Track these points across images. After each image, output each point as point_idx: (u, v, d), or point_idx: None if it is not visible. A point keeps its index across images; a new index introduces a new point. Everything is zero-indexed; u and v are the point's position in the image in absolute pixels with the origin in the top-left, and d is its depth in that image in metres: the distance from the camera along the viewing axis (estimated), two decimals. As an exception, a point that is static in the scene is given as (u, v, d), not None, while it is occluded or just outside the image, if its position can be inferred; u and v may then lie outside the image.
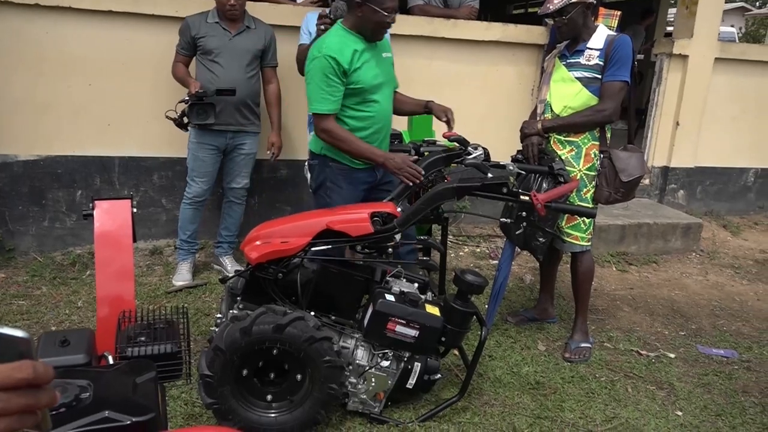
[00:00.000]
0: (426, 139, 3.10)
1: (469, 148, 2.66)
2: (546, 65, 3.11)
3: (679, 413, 2.68)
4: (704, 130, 5.27)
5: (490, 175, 2.50)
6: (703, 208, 5.56)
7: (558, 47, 3.08)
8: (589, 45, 2.90)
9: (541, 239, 2.92)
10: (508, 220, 2.56)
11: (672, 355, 3.19)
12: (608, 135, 3.03)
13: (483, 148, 2.75)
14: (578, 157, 2.94)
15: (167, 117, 3.38)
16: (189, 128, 3.48)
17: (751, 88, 5.37)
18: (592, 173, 2.98)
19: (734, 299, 4.02)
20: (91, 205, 1.93)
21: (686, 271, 4.46)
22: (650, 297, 3.97)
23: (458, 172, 2.63)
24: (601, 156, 2.99)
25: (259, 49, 3.55)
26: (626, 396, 2.79)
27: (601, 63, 2.86)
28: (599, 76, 2.88)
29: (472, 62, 4.56)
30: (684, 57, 5.02)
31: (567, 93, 2.93)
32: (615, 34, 2.93)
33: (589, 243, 3.10)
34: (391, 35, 3.72)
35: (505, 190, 2.46)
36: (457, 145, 2.70)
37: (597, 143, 2.97)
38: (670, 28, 5.03)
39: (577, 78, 2.91)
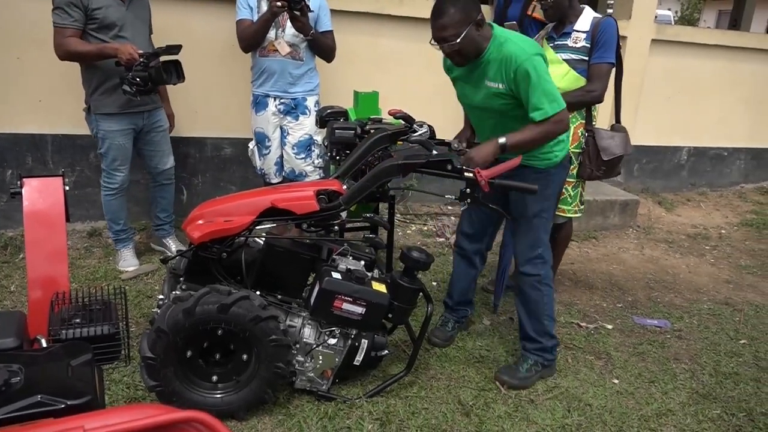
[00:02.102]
0: (372, 116, 3.09)
1: (415, 126, 2.67)
2: None
3: (616, 381, 2.80)
4: (641, 109, 5.45)
5: (435, 152, 2.51)
6: (640, 185, 5.77)
7: (546, 28, 3.13)
8: (575, 27, 2.96)
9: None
10: (453, 197, 2.58)
11: (609, 327, 3.33)
12: (594, 114, 3.12)
13: (428, 125, 2.76)
14: (567, 136, 3.01)
15: (126, 92, 3.05)
16: (96, 116, 3.26)
17: (684, 68, 5.58)
18: (578, 151, 3.11)
19: (668, 272, 4.21)
20: (19, 182, 1.83)
21: (624, 246, 4.64)
22: (590, 271, 4.12)
23: (403, 150, 2.63)
24: (586, 134, 3.09)
25: (149, 19, 3.41)
26: (566, 366, 2.89)
27: (588, 45, 2.93)
28: (586, 58, 2.95)
29: (419, 40, 4.53)
30: (623, 38, 5.14)
31: (555, 74, 2.96)
32: (600, 16, 2.99)
33: (577, 214, 3.26)
34: (337, 11, 3.67)
35: (449, 167, 2.48)
36: (403, 122, 2.70)
37: (583, 122, 3.07)
38: (610, 11, 5.13)
39: (565, 60, 2.96)
